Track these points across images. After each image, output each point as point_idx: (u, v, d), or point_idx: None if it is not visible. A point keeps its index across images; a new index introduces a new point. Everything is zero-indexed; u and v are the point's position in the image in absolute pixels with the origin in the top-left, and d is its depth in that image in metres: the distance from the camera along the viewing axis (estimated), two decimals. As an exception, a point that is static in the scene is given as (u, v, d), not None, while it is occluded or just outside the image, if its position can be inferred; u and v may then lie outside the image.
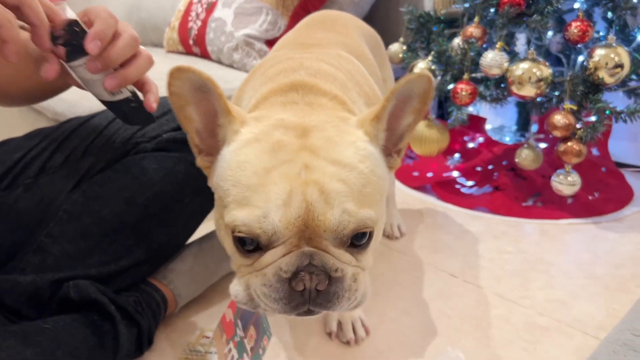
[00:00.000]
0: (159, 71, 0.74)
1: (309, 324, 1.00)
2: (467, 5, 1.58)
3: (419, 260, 1.25)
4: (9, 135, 1.00)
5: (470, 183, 1.69)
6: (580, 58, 1.44)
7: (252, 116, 0.64)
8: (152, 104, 0.76)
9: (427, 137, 1.58)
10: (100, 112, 1.00)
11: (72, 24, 0.66)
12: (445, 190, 1.64)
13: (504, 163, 1.72)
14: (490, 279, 1.17)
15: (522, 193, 1.59)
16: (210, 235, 1.09)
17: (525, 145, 1.56)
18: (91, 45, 0.66)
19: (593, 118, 1.40)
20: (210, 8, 1.79)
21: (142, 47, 0.74)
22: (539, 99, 1.52)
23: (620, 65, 1.35)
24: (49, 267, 0.83)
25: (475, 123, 1.98)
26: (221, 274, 1.10)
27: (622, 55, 1.34)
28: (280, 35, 1.55)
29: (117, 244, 0.88)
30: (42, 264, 0.83)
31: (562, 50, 1.59)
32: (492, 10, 1.51)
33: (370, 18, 2.11)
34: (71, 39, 0.66)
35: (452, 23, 1.71)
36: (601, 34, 1.46)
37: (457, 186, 1.69)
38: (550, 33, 1.56)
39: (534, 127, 1.85)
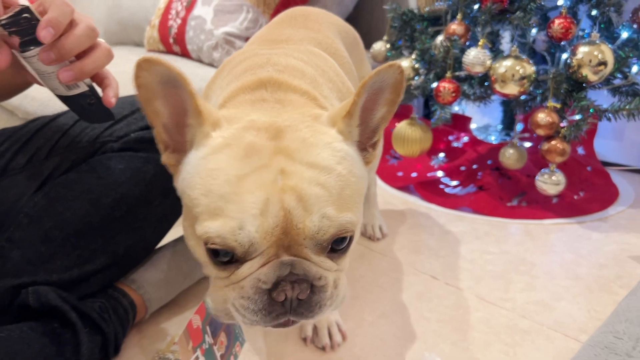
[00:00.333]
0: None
1: (283, 329, 0.97)
2: (450, 2, 1.56)
3: (400, 262, 1.22)
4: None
5: (454, 183, 1.67)
6: (565, 56, 1.42)
7: (224, 116, 0.60)
8: (110, 99, 0.73)
9: (410, 137, 1.55)
10: (67, 111, 0.96)
11: (24, 10, 0.63)
12: (429, 190, 1.61)
13: (489, 162, 1.70)
14: (471, 280, 1.14)
15: (506, 193, 1.57)
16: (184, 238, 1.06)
17: (509, 145, 1.54)
18: (43, 32, 0.62)
19: (577, 117, 1.38)
20: (190, 6, 1.75)
21: (101, 40, 0.71)
22: (522, 97, 1.50)
23: (603, 63, 1.33)
24: (9, 272, 0.79)
25: (461, 122, 1.96)
26: (195, 278, 1.06)
27: (606, 52, 1.33)
28: (261, 33, 1.52)
29: (81, 248, 0.85)
30: (1, 270, 0.79)
31: (548, 49, 1.57)
32: (475, 7, 1.49)
33: (355, 17, 2.08)
34: (23, 26, 0.63)
35: (436, 21, 1.69)
36: (587, 31, 1.45)
37: (441, 186, 1.66)
38: (534, 30, 1.54)
39: (519, 127, 1.84)
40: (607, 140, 1.87)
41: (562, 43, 1.43)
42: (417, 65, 1.63)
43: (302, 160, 0.54)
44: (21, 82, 0.82)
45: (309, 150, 0.55)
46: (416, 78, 1.62)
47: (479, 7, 1.46)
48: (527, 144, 1.75)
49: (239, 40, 1.66)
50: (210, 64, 1.71)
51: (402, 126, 1.59)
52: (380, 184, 1.71)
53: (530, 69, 1.37)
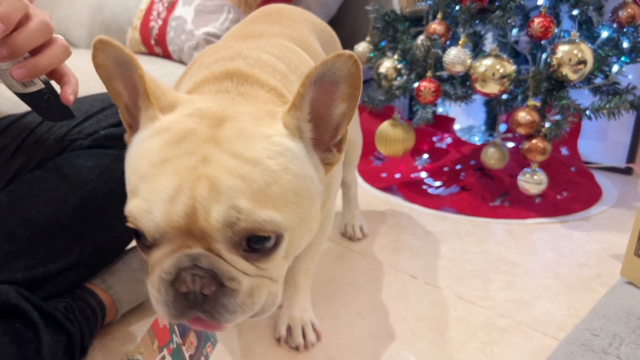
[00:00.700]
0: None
1: (257, 329, 0.96)
2: (430, 2, 1.56)
3: (379, 262, 1.21)
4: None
5: (437, 183, 1.66)
6: (545, 55, 1.42)
7: (184, 99, 0.59)
8: (68, 96, 0.71)
9: (392, 136, 1.54)
10: (35, 109, 0.94)
11: None
12: (411, 190, 1.60)
13: (472, 163, 1.69)
14: (451, 279, 1.13)
15: (489, 193, 1.56)
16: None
17: (491, 144, 1.53)
18: None
19: (560, 118, 1.37)
20: (171, 6, 1.74)
21: (58, 36, 0.69)
22: (504, 97, 1.50)
23: (583, 62, 1.33)
24: (-29, 272, 0.77)
25: (444, 123, 1.96)
26: (169, 279, 1.04)
27: (585, 51, 1.33)
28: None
29: (47, 247, 0.82)
30: (-37, 269, 0.77)
31: (530, 50, 1.57)
32: (456, 7, 1.49)
33: (338, 19, 2.08)
34: None
35: (419, 22, 1.69)
36: (569, 32, 1.45)
37: (424, 187, 1.65)
38: (515, 30, 1.54)
39: (502, 127, 1.83)
40: (590, 141, 1.87)
41: (542, 42, 1.43)
42: (399, 66, 1.62)
43: (230, 150, 0.52)
44: None
45: (241, 141, 0.53)
46: (398, 78, 1.61)
47: (459, 7, 1.46)
48: (510, 144, 1.74)
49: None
50: (192, 65, 1.69)
51: (384, 126, 1.58)
52: (363, 185, 1.70)
53: (510, 67, 1.36)
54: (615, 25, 1.41)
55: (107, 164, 0.88)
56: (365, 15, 1.95)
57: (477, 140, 1.90)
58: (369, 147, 1.64)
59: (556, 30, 1.41)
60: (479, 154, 1.57)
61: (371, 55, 1.75)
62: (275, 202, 0.52)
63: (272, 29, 0.91)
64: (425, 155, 1.81)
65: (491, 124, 1.94)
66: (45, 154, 0.89)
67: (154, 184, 0.50)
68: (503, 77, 1.36)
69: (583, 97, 1.43)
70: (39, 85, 0.70)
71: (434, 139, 1.87)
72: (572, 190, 1.60)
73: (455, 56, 1.41)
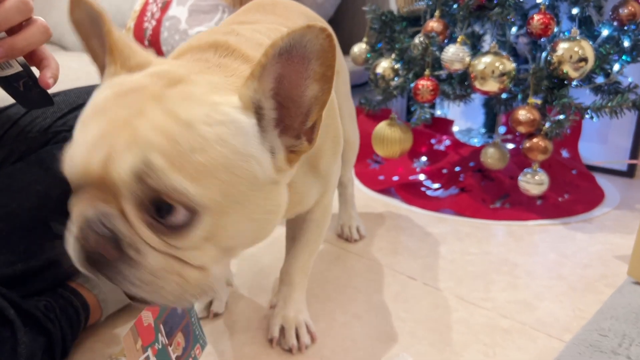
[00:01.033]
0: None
1: (249, 331, 0.91)
2: (429, 1, 1.53)
3: (377, 263, 1.17)
4: None
5: (436, 185, 1.63)
6: (545, 53, 1.40)
7: (152, 62, 0.56)
8: (47, 79, 0.68)
9: (389, 137, 1.51)
10: (20, 102, 0.91)
11: None
12: (410, 192, 1.57)
13: (471, 165, 1.65)
14: (451, 281, 1.09)
15: (489, 195, 1.53)
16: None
17: (491, 144, 1.50)
18: None
19: (561, 117, 1.35)
20: (165, 7, 1.72)
21: (37, 17, 0.66)
22: (503, 96, 1.47)
23: (584, 59, 1.30)
24: (-54, 267, 0.73)
25: (443, 125, 1.93)
26: (158, 279, 1.00)
27: (586, 48, 1.30)
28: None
29: (28, 243, 0.79)
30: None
31: (530, 50, 1.55)
32: (454, 6, 1.47)
33: (336, 21, 2.06)
34: None
35: (416, 21, 1.66)
36: (568, 32, 1.42)
37: (423, 189, 1.62)
38: (514, 29, 1.52)
39: (501, 129, 1.81)
40: (591, 144, 1.84)
41: (542, 40, 1.41)
42: (396, 66, 1.60)
43: (166, 109, 0.48)
44: None
45: (184, 103, 0.49)
46: (396, 79, 1.59)
47: (457, 4, 1.44)
48: (510, 146, 1.71)
49: (215, 41, 1.62)
50: (186, 66, 1.67)
51: (381, 127, 1.54)
52: (361, 187, 1.66)
53: (510, 65, 1.34)
54: (615, 23, 1.38)
55: (93, 156, 0.85)
56: (362, 18, 1.93)
57: (476, 142, 1.87)
58: (366, 150, 1.60)
59: (556, 30, 1.39)
60: (478, 155, 1.54)
61: (368, 55, 1.73)
62: (197, 172, 0.47)
63: (266, 18, 0.88)
64: (424, 158, 1.78)
65: (490, 126, 1.92)
66: (28, 146, 0.85)
67: (83, 130, 0.49)
68: (502, 74, 1.33)
69: (584, 97, 1.40)
70: (16, 68, 0.66)
71: (432, 141, 1.84)
72: (573, 193, 1.57)
73: (454, 54, 1.38)
